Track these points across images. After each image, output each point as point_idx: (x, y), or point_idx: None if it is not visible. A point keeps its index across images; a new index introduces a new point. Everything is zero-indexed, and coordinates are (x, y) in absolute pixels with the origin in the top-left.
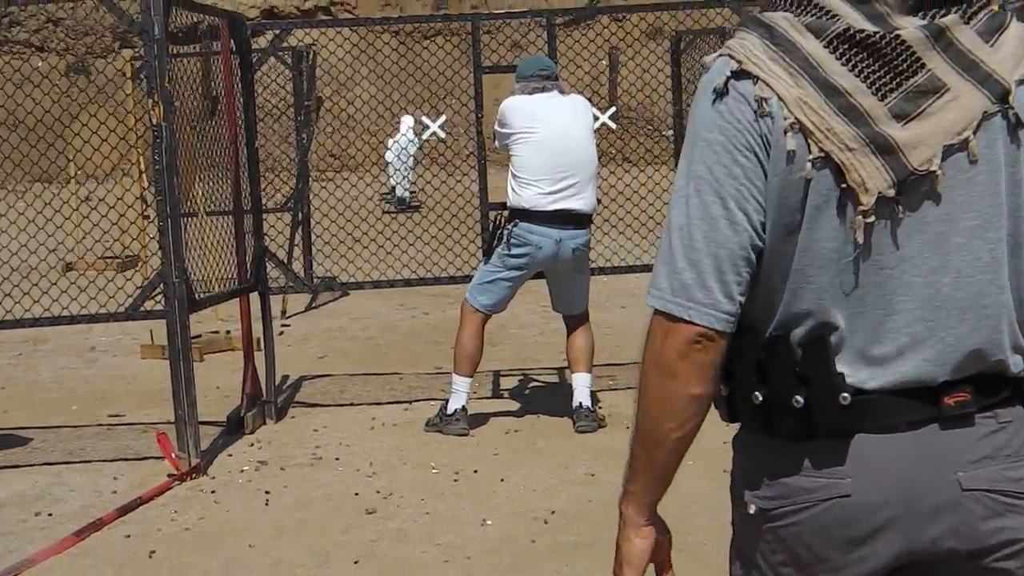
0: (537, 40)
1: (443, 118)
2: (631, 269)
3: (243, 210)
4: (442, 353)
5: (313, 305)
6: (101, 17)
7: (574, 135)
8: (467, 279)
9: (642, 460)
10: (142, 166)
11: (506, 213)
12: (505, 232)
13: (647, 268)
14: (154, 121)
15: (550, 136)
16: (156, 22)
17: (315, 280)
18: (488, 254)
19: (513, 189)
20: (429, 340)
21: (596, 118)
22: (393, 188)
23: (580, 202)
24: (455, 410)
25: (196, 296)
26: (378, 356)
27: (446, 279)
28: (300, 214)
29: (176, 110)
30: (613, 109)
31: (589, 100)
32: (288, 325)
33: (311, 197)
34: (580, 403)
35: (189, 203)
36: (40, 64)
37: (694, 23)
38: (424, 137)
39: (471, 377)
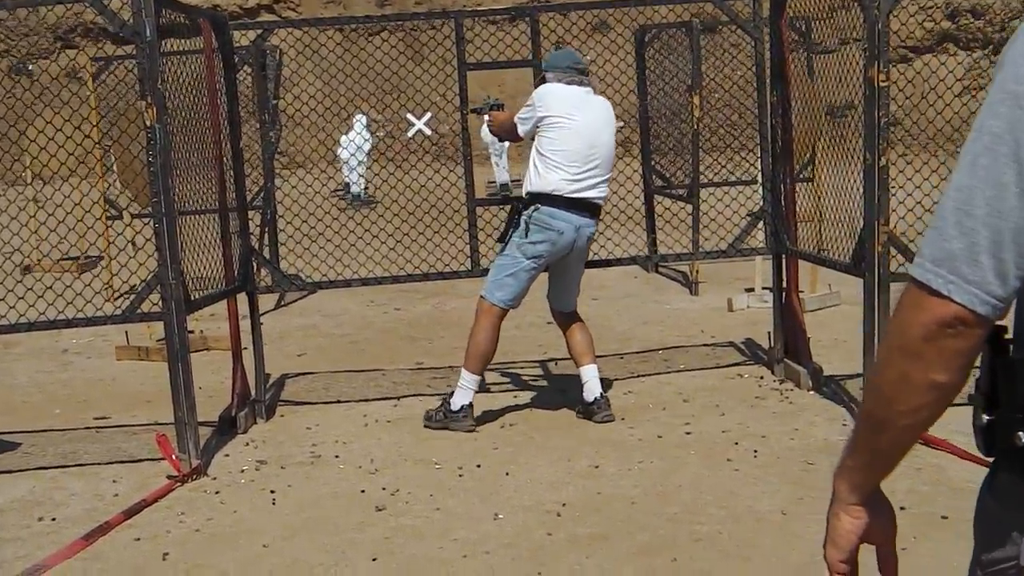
0: (482, 33)
1: (428, 115)
2: (590, 264)
3: (228, 209)
4: (420, 349)
5: (282, 303)
6: (42, 18)
7: (604, 133)
8: (455, 275)
9: (863, 438)
10: (111, 166)
11: (522, 202)
12: (524, 218)
13: (608, 263)
14: (148, 123)
15: (586, 128)
16: (148, 24)
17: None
18: (503, 240)
19: (538, 171)
20: (405, 336)
21: None
22: (347, 184)
23: (597, 192)
24: (462, 406)
25: (192, 297)
26: (356, 353)
27: (435, 275)
28: (268, 212)
29: (169, 111)
30: None
31: None
32: (262, 323)
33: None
34: (598, 395)
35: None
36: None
37: (636, 18)
38: (410, 134)
39: (481, 375)
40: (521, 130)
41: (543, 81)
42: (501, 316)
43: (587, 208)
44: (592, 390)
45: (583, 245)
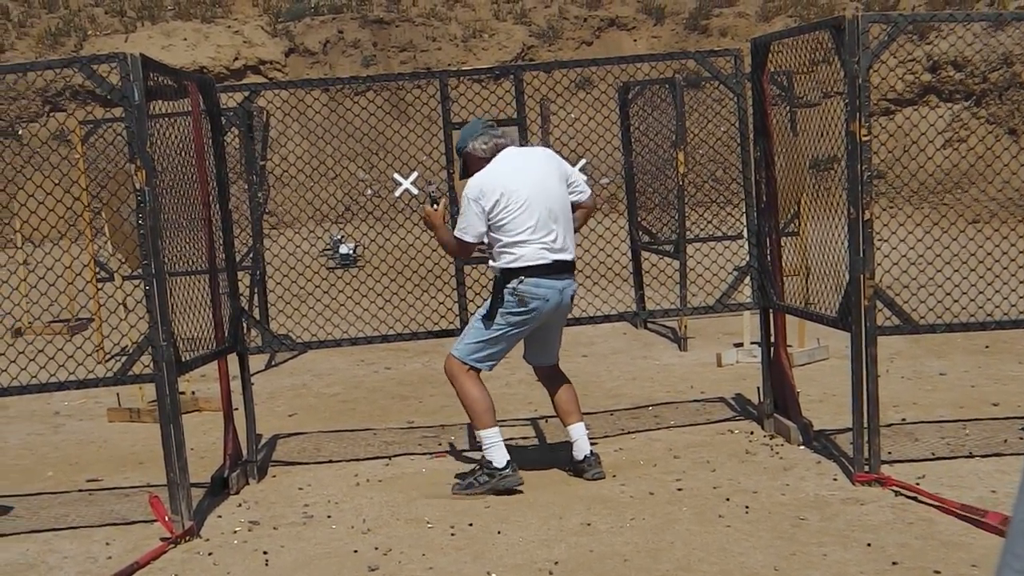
0: (467, 91)
1: (415, 175)
2: (579, 321)
3: (218, 269)
4: (410, 407)
5: (272, 363)
6: (31, 83)
7: (549, 187)
8: (444, 333)
9: None
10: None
11: (499, 274)
12: (507, 292)
13: (596, 319)
14: (137, 186)
15: (535, 194)
16: (135, 88)
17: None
18: (491, 317)
19: (510, 250)
20: (395, 395)
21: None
22: (335, 243)
23: (568, 250)
24: (507, 462)
25: (183, 358)
26: (347, 412)
27: (424, 334)
28: (257, 272)
29: (158, 174)
30: (584, 161)
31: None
32: (252, 384)
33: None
34: (587, 453)
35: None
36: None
37: (619, 75)
38: (397, 194)
39: (497, 426)
40: (470, 239)
41: (464, 165)
42: (478, 372)
43: (564, 268)
44: (581, 448)
45: (567, 303)
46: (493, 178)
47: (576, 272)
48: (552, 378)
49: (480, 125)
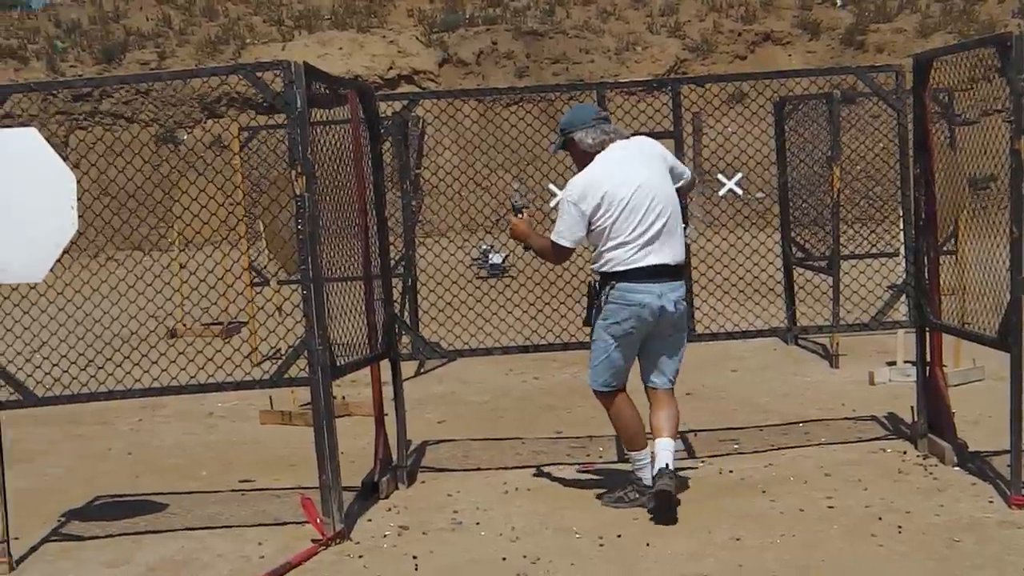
0: (625, 103)
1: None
2: (731, 336)
3: (372, 276)
4: (557, 418)
5: (422, 370)
6: (197, 90)
7: (654, 183)
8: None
9: None
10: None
11: (596, 280)
12: (602, 300)
13: (749, 334)
14: (297, 192)
15: (640, 193)
16: (298, 95)
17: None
18: (588, 324)
19: (603, 253)
20: (543, 405)
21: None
22: (486, 253)
23: (671, 252)
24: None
25: (337, 363)
26: (495, 421)
27: (575, 344)
28: (409, 280)
29: (318, 180)
30: (739, 175)
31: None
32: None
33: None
34: (666, 464)
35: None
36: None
37: (777, 90)
38: (552, 204)
39: (647, 447)
40: (567, 243)
41: (564, 145)
42: (619, 393)
43: (665, 272)
44: (661, 459)
45: (673, 310)
46: (595, 179)
47: (684, 277)
48: (661, 398)
49: (592, 116)
